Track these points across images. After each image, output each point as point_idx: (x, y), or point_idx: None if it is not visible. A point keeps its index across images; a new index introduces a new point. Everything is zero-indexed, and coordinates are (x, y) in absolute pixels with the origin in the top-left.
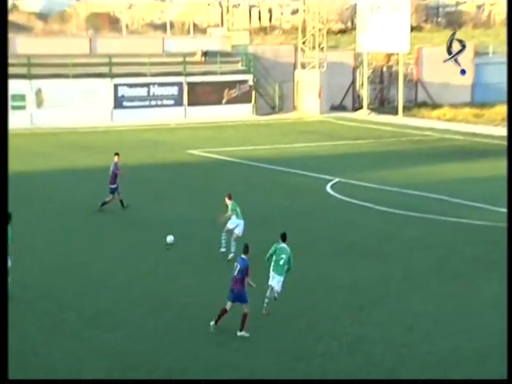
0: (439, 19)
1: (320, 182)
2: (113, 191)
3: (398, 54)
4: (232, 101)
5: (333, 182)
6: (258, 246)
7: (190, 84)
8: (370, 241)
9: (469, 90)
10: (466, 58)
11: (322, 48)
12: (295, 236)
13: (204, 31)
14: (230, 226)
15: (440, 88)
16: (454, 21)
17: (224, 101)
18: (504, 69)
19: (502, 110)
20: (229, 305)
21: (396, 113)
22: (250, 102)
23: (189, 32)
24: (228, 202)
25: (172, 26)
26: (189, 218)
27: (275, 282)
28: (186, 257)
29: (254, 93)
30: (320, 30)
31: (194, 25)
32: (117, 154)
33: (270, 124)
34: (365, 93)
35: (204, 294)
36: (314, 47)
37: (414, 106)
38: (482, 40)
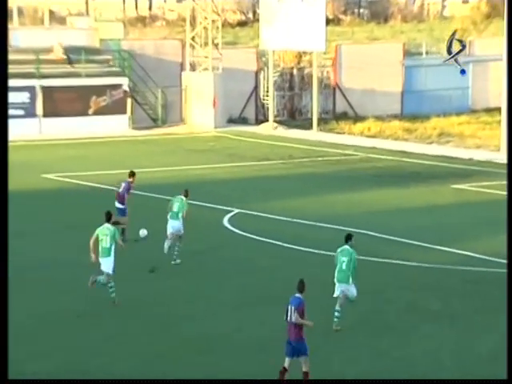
0: (361, 10)
1: (215, 214)
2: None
3: (311, 53)
4: (101, 111)
5: (231, 213)
6: (142, 294)
7: (45, 89)
8: (277, 286)
9: (398, 98)
10: (395, 59)
11: (217, 44)
12: (184, 284)
13: (63, 21)
14: (171, 230)
15: (363, 96)
16: (380, 12)
17: (91, 111)
18: (440, 72)
19: (438, 123)
20: (287, 361)
21: (310, 127)
22: (125, 112)
23: (43, 22)
24: (184, 198)
25: (20, 13)
26: (52, 260)
27: (340, 291)
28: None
29: (129, 101)
30: (214, 21)
31: (51, 12)
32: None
33: (151, 140)
34: (271, 102)
35: None
36: (206, 43)
37: (331, 118)
38: (414, 36)
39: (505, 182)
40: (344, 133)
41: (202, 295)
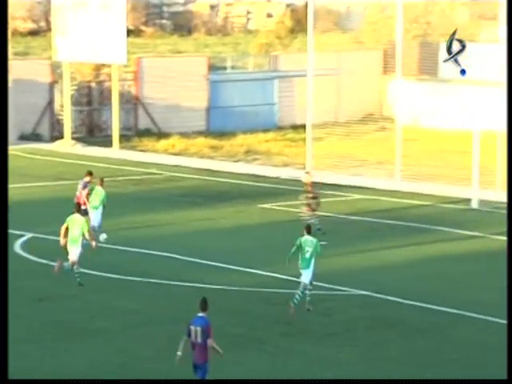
0: (163, 22)
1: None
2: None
3: (110, 65)
4: None
5: (24, 238)
6: None
7: None
8: (76, 317)
9: (203, 114)
10: (200, 73)
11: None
12: None
13: None
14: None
15: (167, 112)
16: (183, 24)
17: None
18: (246, 87)
19: (245, 140)
20: None
21: (110, 144)
22: None
23: None
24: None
25: None
26: None
27: (304, 278)
28: None
29: None
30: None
31: None
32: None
33: None
34: (67, 117)
35: None
36: None
37: (134, 134)
38: (218, 50)
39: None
40: (147, 150)
41: None
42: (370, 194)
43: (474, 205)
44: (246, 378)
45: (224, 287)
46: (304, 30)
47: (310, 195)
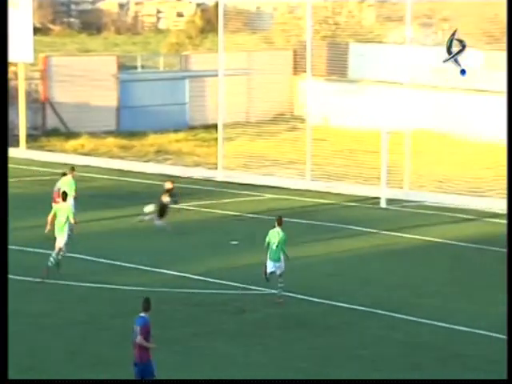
0: (71, 20)
1: None
2: None
3: (16, 64)
4: None
5: None
6: None
7: None
8: None
9: (113, 114)
10: (109, 72)
11: None
12: None
13: None
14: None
15: (76, 111)
16: (92, 23)
17: None
18: (157, 87)
19: (155, 140)
20: None
21: (17, 144)
22: None
23: None
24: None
25: None
26: None
27: (272, 267)
28: None
29: None
30: None
31: None
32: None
33: None
34: None
35: None
36: None
37: (41, 134)
38: (128, 49)
39: (225, 201)
40: (55, 150)
41: None
42: (282, 193)
43: (383, 204)
44: (156, 378)
45: (135, 288)
46: (214, 29)
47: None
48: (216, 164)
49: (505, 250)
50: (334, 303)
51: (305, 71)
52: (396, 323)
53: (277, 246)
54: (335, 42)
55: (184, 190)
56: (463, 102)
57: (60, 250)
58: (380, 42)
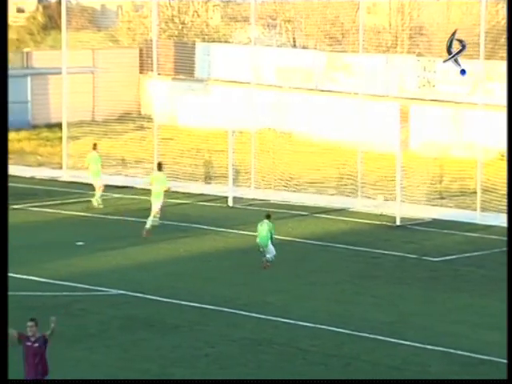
0: None
1: None
2: None
3: None
4: None
5: None
6: None
7: None
8: None
9: None
10: None
11: None
12: None
13: None
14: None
15: None
16: None
17: None
18: (21, 83)
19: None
20: None
21: None
22: None
23: None
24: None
25: None
26: None
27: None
28: None
29: None
30: None
31: None
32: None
33: None
34: None
35: None
36: None
37: None
38: None
39: (70, 201)
40: None
41: None
42: (129, 193)
43: (230, 202)
44: None
45: None
46: (57, 26)
47: None
48: (61, 164)
49: (346, 247)
50: (178, 302)
51: (151, 70)
52: (240, 321)
53: (266, 233)
54: (182, 42)
55: (27, 190)
56: (306, 101)
57: (157, 213)
58: (226, 41)
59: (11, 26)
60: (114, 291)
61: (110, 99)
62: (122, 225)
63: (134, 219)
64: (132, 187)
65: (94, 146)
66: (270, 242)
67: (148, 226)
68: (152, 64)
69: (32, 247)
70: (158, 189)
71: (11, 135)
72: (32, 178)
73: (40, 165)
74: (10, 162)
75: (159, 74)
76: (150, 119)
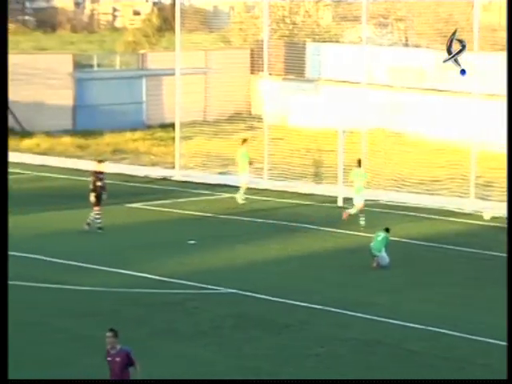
0: (26, 17)
1: None
2: None
3: None
4: None
5: None
6: None
7: None
8: None
9: (69, 113)
10: (65, 71)
11: None
12: None
13: None
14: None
15: (32, 110)
16: (47, 21)
17: None
18: (113, 86)
19: (112, 139)
20: None
21: None
22: None
23: None
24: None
25: None
26: None
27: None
28: None
29: None
30: None
31: None
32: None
33: None
34: None
35: None
36: None
37: None
38: (84, 48)
39: (182, 200)
40: (11, 150)
41: None
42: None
43: (340, 202)
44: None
45: (89, 288)
46: (171, 28)
47: (98, 185)
48: (173, 163)
49: (458, 248)
50: (290, 302)
51: (262, 70)
52: (348, 321)
53: (380, 241)
54: (293, 42)
55: (141, 189)
56: (418, 101)
57: (360, 208)
58: (337, 41)
59: (127, 29)
60: (226, 290)
61: (221, 99)
62: (233, 224)
63: (244, 219)
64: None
65: (244, 141)
66: (383, 250)
67: (352, 211)
68: (263, 64)
69: (146, 245)
70: (358, 185)
71: (127, 135)
72: (146, 177)
73: (154, 164)
74: (125, 161)
75: (270, 74)
76: (260, 119)
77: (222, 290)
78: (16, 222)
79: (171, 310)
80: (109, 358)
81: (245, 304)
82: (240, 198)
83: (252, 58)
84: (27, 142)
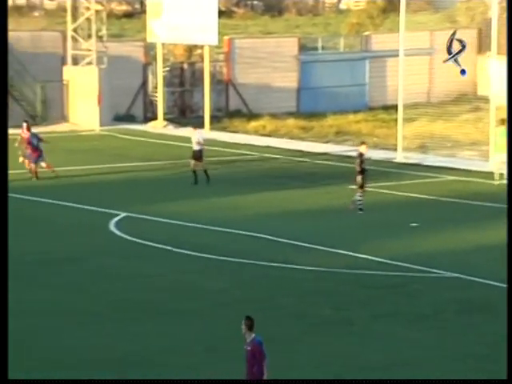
0: (254, 3)
1: (100, 218)
2: None
3: (202, 46)
4: None
5: (118, 217)
6: None
7: None
8: (162, 296)
9: (294, 95)
10: (291, 54)
11: (101, 37)
12: (49, 292)
13: None
14: None
15: (258, 93)
16: (274, 5)
17: None
18: (336, 68)
19: (335, 121)
20: None
21: (202, 125)
22: None
23: None
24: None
25: None
26: None
27: None
28: None
29: None
30: (98, 11)
31: None
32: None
33: None
34: (160, 98)
35: None
36: (89, 35)
37: (224, 115)
38: (309, 31)
39: (403, 182)
40: (238, 131)
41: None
42: (463, 175)
43: None
44: (333, 358)
45: (313, 268)
46: (396, 9)
47: (359, 169)
48: (395, 145)
49: None
50: None
51: (489, 50)
52: None
53: None
54: None
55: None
56: None
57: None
58: None
59: (352, 11)
60: (449, 274)
61: (446, 81)
62: (455, 207)
63: (467, 202)
64: (466, 170)
65: (503, 122)
66: None
67: None
68: (490, 44)
69: (367, 227)
70: None
71: (349, 117)
72: (368, 159)
73: (375, 146)
74: (348, 143)
75: (498, 54)
76: (486, 100)
77: (445, 273)
78: (240, 201)
79: (393, 293)
80: (244, 347)
81: (468, 289)
82: (497, 177)
83: (479, 37)
84: (253, 124)
